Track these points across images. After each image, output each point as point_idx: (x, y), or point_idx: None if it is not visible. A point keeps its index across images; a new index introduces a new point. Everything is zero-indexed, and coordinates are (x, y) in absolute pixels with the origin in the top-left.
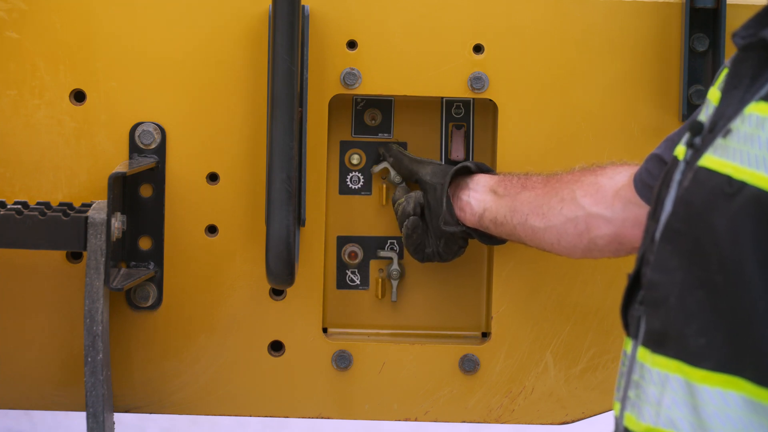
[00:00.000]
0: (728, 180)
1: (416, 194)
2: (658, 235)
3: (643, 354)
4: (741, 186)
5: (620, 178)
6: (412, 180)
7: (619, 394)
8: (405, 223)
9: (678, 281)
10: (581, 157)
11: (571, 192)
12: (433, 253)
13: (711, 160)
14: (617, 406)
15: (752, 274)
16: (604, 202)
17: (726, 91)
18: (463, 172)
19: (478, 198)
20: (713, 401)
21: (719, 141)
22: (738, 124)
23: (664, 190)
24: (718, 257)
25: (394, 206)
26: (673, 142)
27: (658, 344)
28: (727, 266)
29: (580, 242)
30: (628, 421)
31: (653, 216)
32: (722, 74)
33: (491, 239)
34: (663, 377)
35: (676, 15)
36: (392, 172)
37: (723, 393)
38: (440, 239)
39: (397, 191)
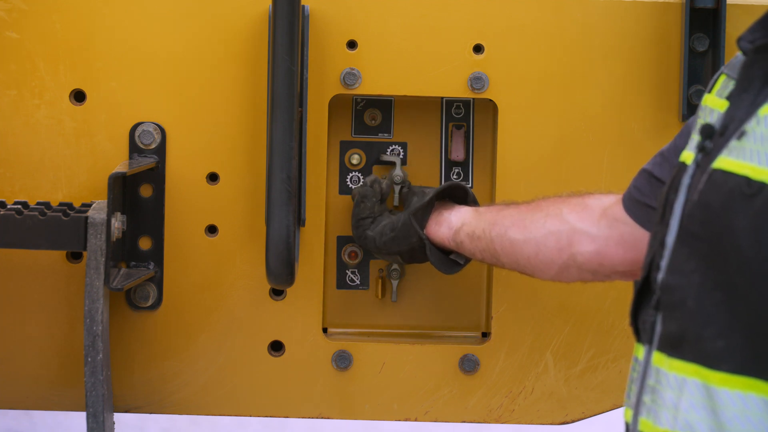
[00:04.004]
0: (747, 181)
1: (383, 178)
2: (670, 239)
3: (659, 359)
4: (761, 187)
5: (608, 199)
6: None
7: (630, 400)
8: (357, 189)
9: (695, 283)
10: (581, 156)
11: (557, 209)
12: (371, 238)
13: (727, 161)
14: (629, 412)
15: None
16: (590, 219)
17: (735, 95)
18: (460, 193)
19: (460, 215)
20: (733, 404)
21: (734, 143)
22: (753, 126)
23: (672, 195)
24: (738, 258)
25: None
26: (663, 157)
27: (675, 348)
28: (748, 267)
29: (559, 257)
30: (644, 426)
31: (662, 220)
32: (719, 80)
33: (444, 262)
34: (680, 381)
35: (676, 15)
36: (394, 171)
37: (743, 395)
38: (392, 231)
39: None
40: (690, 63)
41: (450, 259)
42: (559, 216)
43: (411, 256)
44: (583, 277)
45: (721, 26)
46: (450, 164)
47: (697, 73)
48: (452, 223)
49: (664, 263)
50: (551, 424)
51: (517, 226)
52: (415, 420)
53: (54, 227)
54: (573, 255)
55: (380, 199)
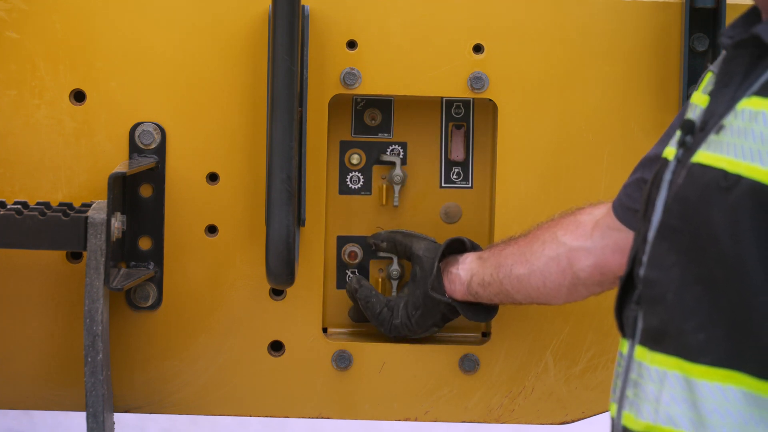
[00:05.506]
0: (723, 174)
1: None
2: (651, 234)
3: (641, 353)
4: (737, 179)
5: (599, 211)
6: (405, 256)
7: (615, 394)
8: (357, 295)
9: (675, 278)
10: (581, 156)
11: (552, 234)
12: (401, 325)
13: (705, 155)
14: (614, 406)
15: (751, 266)
16: (584, 235)
17: (715, 91)
18: (457, 247)
19: (466, 267)
20: (713, 396)
21: (712, 137)
22: (731, 120)
23: (654, 191)
24: (716, 252)
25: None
26: (650, 160)
27: (656, 342)
28: (726, 260)
29: (564, 280)
30: (627, 420)
31: (644, 217)
32: (706, 78)
33: (477, 313)
34: (661, 374)
35: (676, 15)
36: (394, 171)
37: (722, 388)
38: (417, 309)
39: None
40: (690, 63)
41: (481, 307)
42: (555, 240)
43: (445, 320)
44: (593, 292)
45: (721, 26)
46: (450, 164)
47: (697, 73)
48: (462, 278)
49: (645, 258)
50: (551, 424)
51: (519, 262)
52: (415, 420)
53: (54, 227)
54: (575, 273)
55: (360, 286)
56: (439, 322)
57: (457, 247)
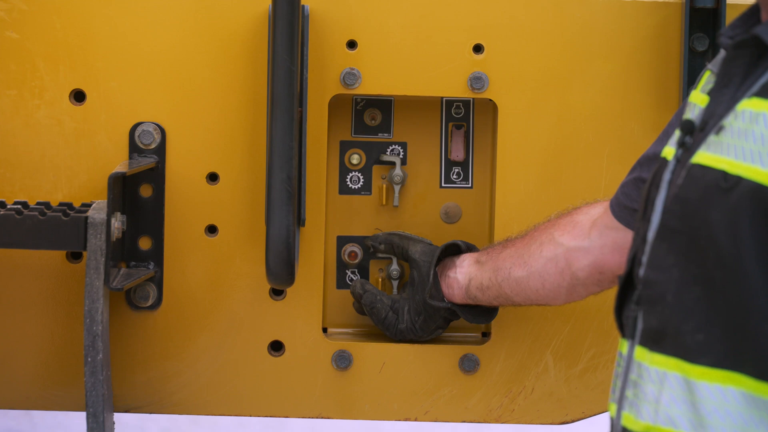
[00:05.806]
0: (723, 175)
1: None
2: (651, 234)
3: (641, 353)
4: (737, 180)
5: (596, 210)
6: (403, 258)
7: (614, 395)
8: (362, 301)
9: (675, 278)
10: (581, 156)
11: (550, 235)
12: (407, 330)
13: (705, 156)
14: (613, 407)
15: (750, 268)
16: (581, 234)
17: (715, 91)
18: (453, 251)
19: (464, 271)
20: (712, 397)
21: (712, 138)
22: (731, 121)
23: (653, 191)
24: (716, 253)
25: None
26: (648, 158)
27: (656, 342)
28: (725, 261)
29: (563, 280)
30: (626, 420)
31: (643, 216)
32: (704, 77)
33: (478, 315)
34: (661, 375)
35: (676, 15)
36: (394, 171)
37: (722, 389)
38: (419, 315)
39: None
40: (690, 63)
41: (481, 309)
42: (552, 241)
43: (448, 321)
44: (592, 291)
45: (721, 26)
46: (450, 164)
47: (697, 73)
48: (460, 282)
49: (645, 259)
50: (551, 424)
51: (517, 264)
52: (415, 420)
53: (54, 227)
54: (573, 273)
55: (364, 291)
56: (443, 325)
57: (453, 250)
